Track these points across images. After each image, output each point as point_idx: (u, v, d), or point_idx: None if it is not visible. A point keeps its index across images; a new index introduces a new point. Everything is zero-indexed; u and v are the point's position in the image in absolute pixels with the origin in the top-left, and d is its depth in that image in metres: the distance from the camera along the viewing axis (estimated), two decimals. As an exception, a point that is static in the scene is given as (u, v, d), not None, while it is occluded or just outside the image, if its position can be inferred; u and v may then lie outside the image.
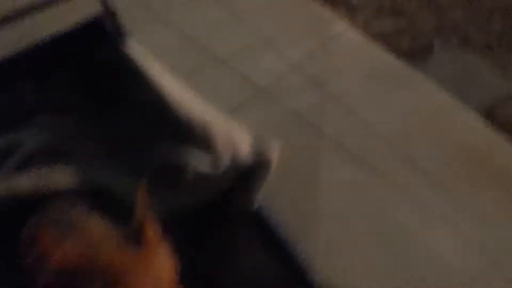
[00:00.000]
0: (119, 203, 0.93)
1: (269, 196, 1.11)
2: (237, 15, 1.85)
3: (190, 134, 1.09)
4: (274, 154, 1.05)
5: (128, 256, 0.79)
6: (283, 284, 1.07)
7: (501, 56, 1.93)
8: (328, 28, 1.88)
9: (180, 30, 1.78)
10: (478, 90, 1.82)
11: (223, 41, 1.78)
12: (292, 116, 1.65)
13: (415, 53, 1.90)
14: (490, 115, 1.72)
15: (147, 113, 1.12)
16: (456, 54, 1.93)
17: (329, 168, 1.53)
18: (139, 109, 1.12)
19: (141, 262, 0.78)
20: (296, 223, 1.25)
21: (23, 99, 1.14)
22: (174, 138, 1.09)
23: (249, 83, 1.71)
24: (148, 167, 1.05)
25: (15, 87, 1.11)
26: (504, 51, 1.94)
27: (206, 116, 1.09)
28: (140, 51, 1.15)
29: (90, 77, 1.16)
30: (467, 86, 1.82)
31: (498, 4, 2.05)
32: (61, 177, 1.01)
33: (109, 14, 1.14)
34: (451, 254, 1.39)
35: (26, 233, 0.85)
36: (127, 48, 1.15)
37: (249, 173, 1.06)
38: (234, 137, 1.09)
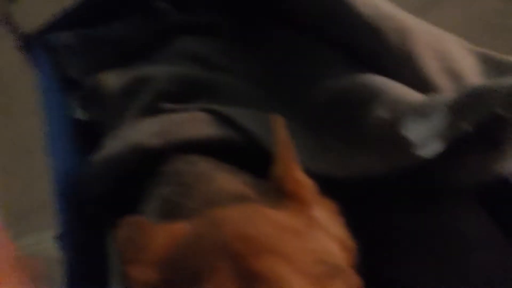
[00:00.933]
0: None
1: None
2: None
3: (378, 52, 0.75)
4: None
5: (267, 218, 0.57)
6: None
7: None
8: None
9: None
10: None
11: None
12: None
13: None
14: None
15: (310, 24, 0.82)
16: None
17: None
18: (301, 20, 0.83)
19: (285, 225, 0.56)
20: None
21: (155, 19, 0.99)
22: (351, 60, 0.78)
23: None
24: (312, 104, 0.77)
25: (146, 6, 0.97)
26: None
27: (402, 22, 0.75)
28: None
29: None
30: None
31: None
32: (197, 125, 0.78)
33: None
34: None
35: None
36: None
37: (493, 120, 0.62)
38: (453, 55, 0.73)
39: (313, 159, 0.72)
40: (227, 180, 0.67)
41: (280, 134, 0.58)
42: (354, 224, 0.65)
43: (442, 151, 0.64)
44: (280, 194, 0.58)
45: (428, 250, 0.77)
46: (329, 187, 0.64)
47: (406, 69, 0.72)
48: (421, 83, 0.71)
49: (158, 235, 0.55)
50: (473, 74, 0.73)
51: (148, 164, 0.72)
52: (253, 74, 0.89)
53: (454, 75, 0.73)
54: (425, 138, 0.64)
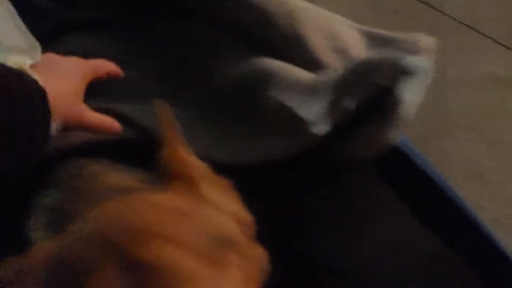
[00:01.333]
0: None
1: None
2: None
3: (268, 35, 0.76)
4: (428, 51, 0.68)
5: (151, 204, 0.56)
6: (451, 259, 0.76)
7: None
8: None
9: None
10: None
11: None
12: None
13: None
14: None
15: (202, 11, 0.82)
16: None
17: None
18: (191, 7, 0.83)
19: (171, 208, 0.56)
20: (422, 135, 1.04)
21: (45, 14, 0.95)
22: (246, 44, 0.78)
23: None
24: (211, 92, 0.77)
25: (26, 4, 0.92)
26: None
27: (290, 5, 0.76)
28: None
29: None
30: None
31: None
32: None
33: None
34: None
35: None
36: None
37: (382, 94, 0.66)
38: (341, 35, 0.76)
39: (217, 148, 0.72)
40: (116, 178, 0.66)
41: (164, 118, 0.59)
42: (268, 206, 0.66)
43: (338, 126, 0.66)
44: (167, 177, 0.58)
45: (336, 225, 0.79)
46: (235, 173, 0.63)
47: (296, 51, 0.74)
48: (312, 64, 0.73)
49: (38, 251, 0.54)
50: (361, 51, 0.76)
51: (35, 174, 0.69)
52: (150, 68, 0.87)
53: (343, 53, 0.75)
54: (318, 117, 0.66)
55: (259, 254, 0.56)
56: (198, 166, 0.59)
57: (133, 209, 0.54)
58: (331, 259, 0.77)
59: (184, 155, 0.59)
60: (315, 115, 0.66)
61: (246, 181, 0.67)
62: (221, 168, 0.60)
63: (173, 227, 0.52)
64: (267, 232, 0.58)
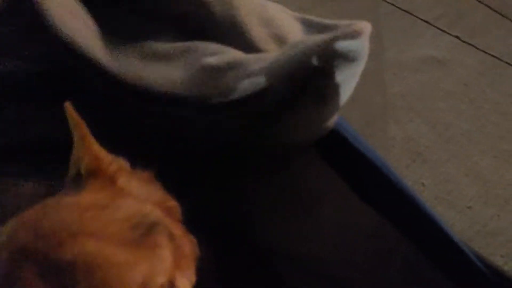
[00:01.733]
0: None
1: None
2: None
3: (205, 23, 0.74)
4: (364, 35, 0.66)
5: (65, 205, 0.56)
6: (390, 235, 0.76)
7: None
8: None
9: None
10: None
11: None
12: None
13: None
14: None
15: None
16: None
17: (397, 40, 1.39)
18: None
19: (90, 203, 0.56)
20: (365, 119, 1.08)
21: None
22: (181, 32, 0.76)
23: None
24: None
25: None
26: None
27: None
28: None
29: None
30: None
31: None
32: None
33: None
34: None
35: None
36: None
37: (317, 77, 0.64)
38: (278, 22, 0.76)
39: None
40: (29, 188, 0.66)
41: (73, 119, 0.57)
42: (210, 195, 0.69)
43: (273, 110, 0.66)
44: (81, 176, 0.57)
45: (285, 211, 0.81)
46: (181, 162, 0.66)
47: (233, 38, 0.73)
48: (249, 51, 0.73)
49: None
50: (297, 37, 0.76)
51: None
52: None
53: (281, 40, 0.76)
54: (249, 93, 0.66)
55: (189, 237, 0.56)
56: (112, 161, 0.59)
57: (48, 215, 0.53)
58: (282, 244, 0.80)
59: (97, 151, 0.58)
60: (246, 91, 0.65)
61: (188, 170, 0.67)
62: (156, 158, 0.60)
63: (92, 222, 0.52)
64: (204, 218, 0.59)
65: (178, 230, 0.57)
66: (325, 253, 0.79)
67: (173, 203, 0.59)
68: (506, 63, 1.34)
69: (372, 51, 0.74)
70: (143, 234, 0.53)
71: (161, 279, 0.52)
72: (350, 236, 0.79)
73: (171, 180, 0.60)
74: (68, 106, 0.57)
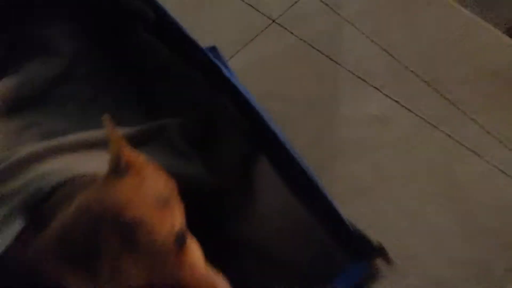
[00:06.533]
0: None
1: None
2: None
3: None
4: None
5: (114, 188, 0.76)
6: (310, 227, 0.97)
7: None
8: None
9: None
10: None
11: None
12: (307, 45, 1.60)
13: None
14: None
15: None
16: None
17: (351, 100, 1.51)
18: None
19: (131, 186, 0.76)
20: (318, 159, 1.24)
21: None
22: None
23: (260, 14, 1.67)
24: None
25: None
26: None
27: None
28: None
29: None
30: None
31: None
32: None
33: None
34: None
35: None
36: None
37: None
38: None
39: None
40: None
41: (108, 126, 0.77)
42: None
43: None
44: (120, 167, 0.76)
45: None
46: None
47: None
48: None
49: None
50: None
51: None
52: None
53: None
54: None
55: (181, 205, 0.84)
56: (139, 155, 0.81)
57: (107, 193, 0.75)
58: (224, 227, 1.00)
59: (129, 149, 0.79)
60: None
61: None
62: None
63: (135, 197, 0.74)
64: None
65: (178, 199, 0.82)
66: (264, 237, 0.99)
67: (173, 181, 0.84)
68: (432, 125, 1.52)
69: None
70: (164, 202, 0.76)
71: (177, 227, 0.76)
72: (280, 222, 0.99)
73: None
74: (106, 117, 0.76)
